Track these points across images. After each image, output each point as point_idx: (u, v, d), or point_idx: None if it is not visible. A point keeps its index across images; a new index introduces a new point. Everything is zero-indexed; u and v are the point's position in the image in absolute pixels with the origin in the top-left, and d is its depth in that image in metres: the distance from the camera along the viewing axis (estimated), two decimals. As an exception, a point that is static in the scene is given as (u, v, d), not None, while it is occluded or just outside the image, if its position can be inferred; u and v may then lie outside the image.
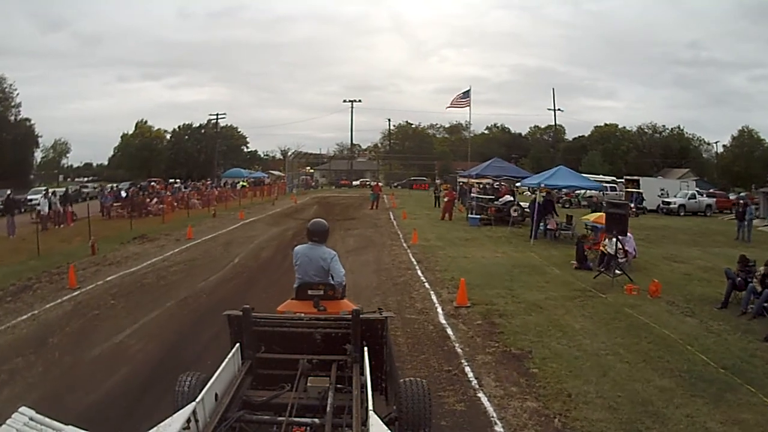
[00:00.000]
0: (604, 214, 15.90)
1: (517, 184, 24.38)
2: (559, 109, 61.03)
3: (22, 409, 2.91)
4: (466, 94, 23.96)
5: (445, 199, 25.61)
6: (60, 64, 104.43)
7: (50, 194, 24.65)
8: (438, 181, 57.49)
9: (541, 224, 19.07)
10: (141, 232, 20.47)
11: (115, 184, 45.47)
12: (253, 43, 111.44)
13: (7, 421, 2.83)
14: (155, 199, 27.97)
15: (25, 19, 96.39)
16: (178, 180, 47.70)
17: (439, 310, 10.07)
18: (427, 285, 11.92)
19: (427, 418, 4.20)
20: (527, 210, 22.89)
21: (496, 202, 23.51)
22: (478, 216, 22.48)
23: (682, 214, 33.61)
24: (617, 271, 12.13)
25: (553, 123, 75.34)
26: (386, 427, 3.06)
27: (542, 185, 18.73)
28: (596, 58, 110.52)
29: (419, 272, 13.20)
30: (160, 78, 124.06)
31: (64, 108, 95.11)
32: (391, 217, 26.59)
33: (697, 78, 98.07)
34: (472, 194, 28.65)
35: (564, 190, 39.53)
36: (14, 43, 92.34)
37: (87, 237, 17.89)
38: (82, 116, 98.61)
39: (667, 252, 17.24)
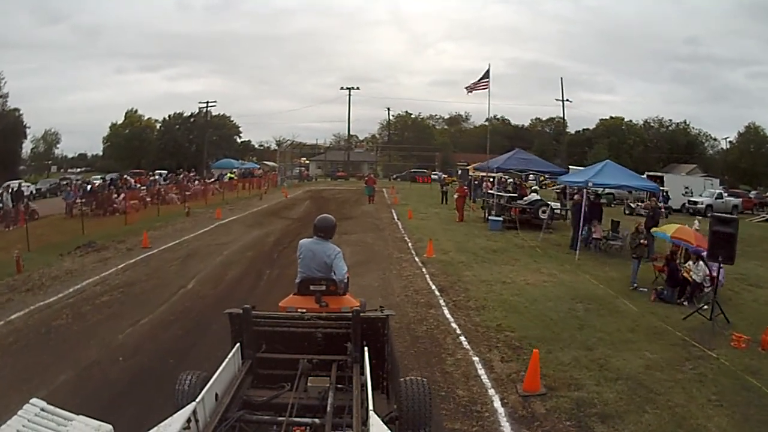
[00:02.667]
0: (683, 227, 11.68)
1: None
2: (567, 100, 56.21)
3: (34, 400, 2.81)
4: (486, 74, 19.20)
5: (456, 196, 21.02)
6: (59, 56, 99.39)
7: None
8: (441, 174, 53.19)
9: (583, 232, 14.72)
10: (93, 237, 16.09)
11: (102, 175, 41.52)
12: (252, 35, 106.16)
13: (19, 412, 2.73)
14: (122, 195, 23.32)
15: (25, 12, 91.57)
16: (161, 171, 43.04)
17: (497, 404, 5.76)
18: (464, 341, 7.52)
19: (428, 417, 3.94)
20: (557, 211, 18.58)
21: (519, 202, 19.05)
22: (500, 218, 18.01)
23: (709, 215, 29.35)
24: (705, 306, 9.15)
25: (555, 115, 71.18)
26: (386, 427, 2.91)
27: (590, 183, 14.29)
28: (595, 53, 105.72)
29: (447, 312, 8.78)
30: (158, 69, 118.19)
31: (63, 99, 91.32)
32: (394, 216, 22.08)
33: (695, 74, 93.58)
34: (488, 190, 24.34)
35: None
36: (13, 36, 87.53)
37: (31, 243, 14.22)
38: (80, 107, 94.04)
39: (733, 270, 13.02)
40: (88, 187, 25.96)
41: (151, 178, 31.38)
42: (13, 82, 77.14)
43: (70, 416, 2.80)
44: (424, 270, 11.67)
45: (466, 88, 19.22)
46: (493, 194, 19.70)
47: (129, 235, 16.61)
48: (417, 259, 12.90)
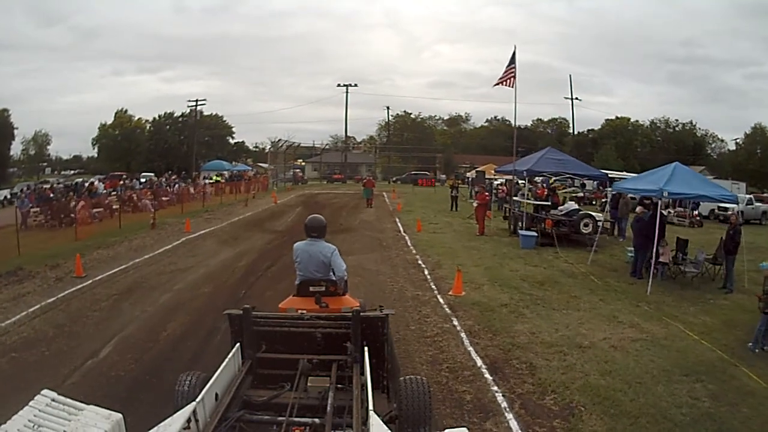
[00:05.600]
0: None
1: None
2: (576, 98, 52.35)
3: (45, 391, 2.77)
4: (512, 60, 15.25)
5: (475, 204, 17.04)
6: (56, 57, 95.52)
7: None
8: (444, 177, 49.33)
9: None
10: (27, 258, 12.41)
11: (83, 178, 37.85)
12: (249, 37, 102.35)
13: (30, 403, 2.68)
14: (81, 203, 19.31)
15: (22, 14, 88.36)
16: (147, 174, 39.15)
17: None
18: None
19: (428, 416, 3.76)
20: (600, 224, 14.73)
21: (554, 212, 15.16)
22: (534, 233, 14.10)
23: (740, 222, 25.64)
24: None
25: (557, 116, 67.76)
26: (386, 427, 2.80)
27: (665, 193, 10.41)
28: (591, 55, 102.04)
29: (517, 428, 4.88)
30: (156, 71, 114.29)
31: (61, 101, 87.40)
32: (400, 227, 18.16)
33: (691, 75, 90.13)
34: (503, 196, 20.56)
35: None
36: (10, 38, 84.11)
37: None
38: (78, 109, 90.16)
39: None
40: (50, 193, 21.86)
41: (120, 182, 27.15)
42: (9, 84, 74.08)
43: (81, 406, 2.71)
44: (455, 321, 7.74)
45: (502, 83, 15.29)
46: (519, 202, 15.77)
47: (71, 255, 12.67)
48: (441, 298, 8.95)
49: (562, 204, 15.80)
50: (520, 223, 15.28)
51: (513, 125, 64.91)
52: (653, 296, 9.88)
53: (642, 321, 8.27)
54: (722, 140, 64.40)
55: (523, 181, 18.50)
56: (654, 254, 10.49)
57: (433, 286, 9.74)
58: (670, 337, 7.69)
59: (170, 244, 14.36)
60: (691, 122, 63.29)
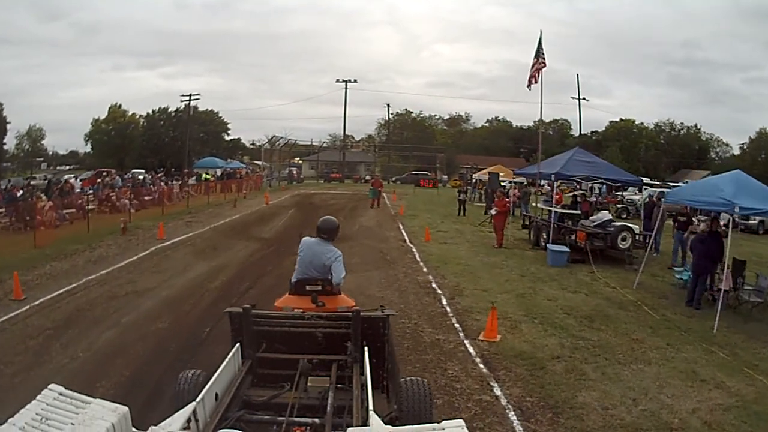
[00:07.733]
0: None
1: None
2: (584, 98, 50.11)
3: (52, 386, 2.66)
4: (539, 48, 12.96)
5: (493, 212, 14.76)
6: (57, 53, 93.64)
7: None
8: (446, 178, 47.08)
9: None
10: None
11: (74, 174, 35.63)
12: (250, 34, 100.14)
13: (38, 397, 2.58)
14: (48, 203, 16.94)
15: (24, 9, 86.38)
16: (138, 170, 36.74)
17: None
18: None
19: (428, 417, 3.60)
20: (639, 237, 12.57)
21: (585, 222, 12.91)
22: (566, 248, 11.84)
23: (761, 232, 23.67)
24: None
25: (558, 117, 65.53)
26: (386, 428, 2.65)
27: (737, 209, 8.11)
28: (591, 56, 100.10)
29: None
30: (156, 67, 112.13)
31: (61, 95, 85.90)
32: (405, 236, 15.85)
33: (692, 77, 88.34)
34: (516, 200, 18.40)
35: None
36: (11, 33, 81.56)
37: None
38: (77, 104, 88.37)
39: None
40: (20, 192, 19.38)
41: (98, 180, 24.74)
42: (10, 79, 71.88)
43: (88, 400, 2.59)
44: (497, 389, 5.43)
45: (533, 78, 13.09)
46: (541, 209, 13.48)
47: (22, 267, 10.36)
48: (470, 346, 6.61)
49: (593, 213, 13.52)
50: (544, 235, 13.05)
51: (516, 125, 62.98)
52: (720, 334, 7.75)
53: (724, 376, 6.11)
54: (727, 144, 62.58)
55: (547, 184, 16.32)
56: (712, 279, 8.30)
57: (457, 325, 7.42)
58: (760, 399, 5.64)
59: (136, 255, 12.04)
60: (695, 126, 61.52)
